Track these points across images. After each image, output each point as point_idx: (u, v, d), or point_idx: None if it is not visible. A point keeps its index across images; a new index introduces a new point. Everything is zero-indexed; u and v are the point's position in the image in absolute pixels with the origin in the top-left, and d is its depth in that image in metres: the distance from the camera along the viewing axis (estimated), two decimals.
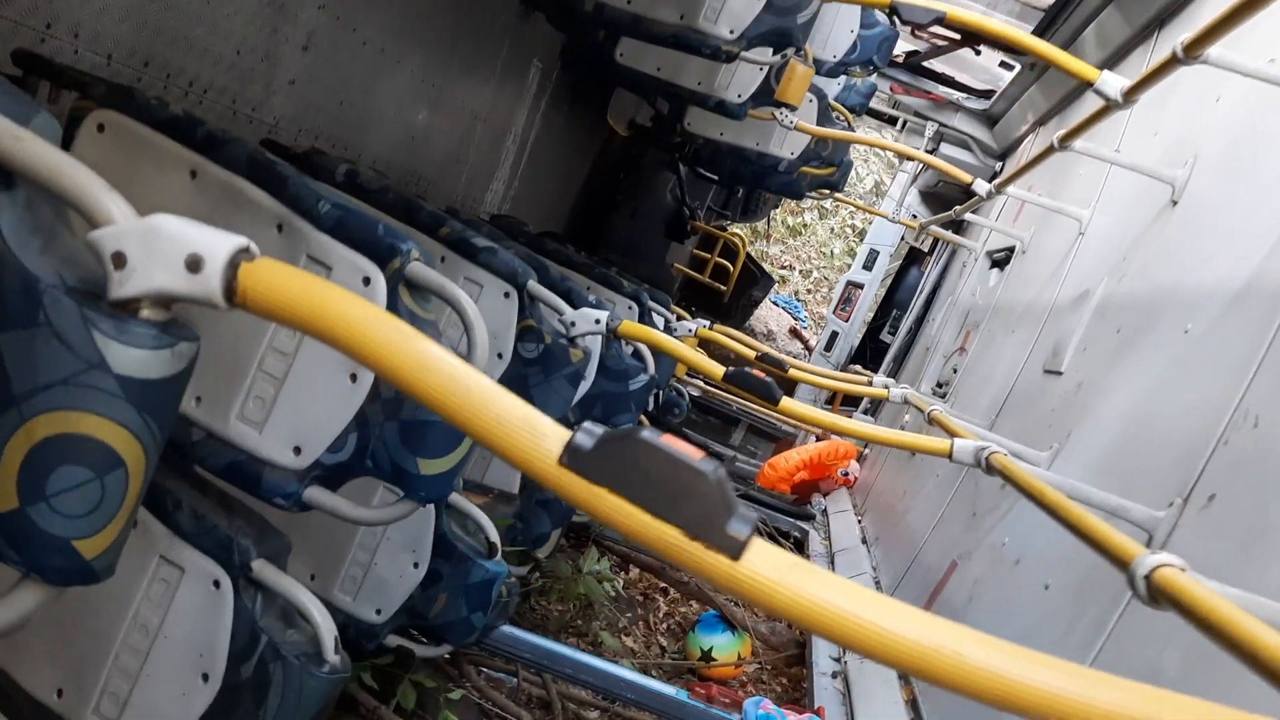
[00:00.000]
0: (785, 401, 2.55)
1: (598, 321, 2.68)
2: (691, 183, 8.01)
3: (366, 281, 1.71)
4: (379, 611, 2.69)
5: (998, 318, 5.35)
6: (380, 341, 0.82)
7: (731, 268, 8.40)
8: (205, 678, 1.78)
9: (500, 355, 2.64)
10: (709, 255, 8.48)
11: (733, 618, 4.91)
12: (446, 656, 3.36)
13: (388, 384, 1.72)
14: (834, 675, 3.79)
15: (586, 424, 0.80)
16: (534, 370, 2.64)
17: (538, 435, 0.80)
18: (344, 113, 3.97)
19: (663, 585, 5.77)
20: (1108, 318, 3.47)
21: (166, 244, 0.82)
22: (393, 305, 1.72)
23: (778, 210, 12.11)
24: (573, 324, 2.67)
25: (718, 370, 2.59)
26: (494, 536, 2.68)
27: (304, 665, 1.74)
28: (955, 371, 5.86)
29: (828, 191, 6.70)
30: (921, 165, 8.03)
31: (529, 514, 3.58)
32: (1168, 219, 3.29)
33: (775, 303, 11.83)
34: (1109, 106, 2.77)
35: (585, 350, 2.66)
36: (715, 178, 7.56)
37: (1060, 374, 3.69)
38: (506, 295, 2.63)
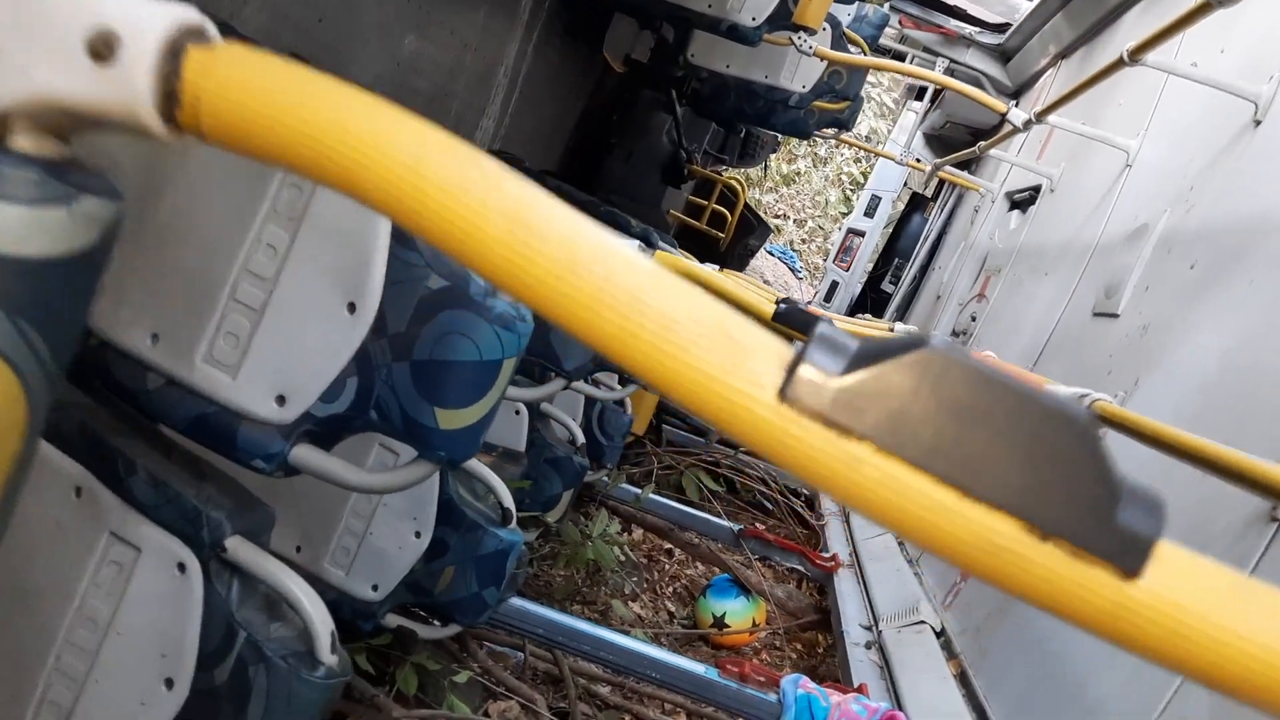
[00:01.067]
0: None
1: None
2: (688, 124, 7.60)
3: None
4: (376, 588, 2.34)
5: (1024, 261, 5.01)
6: (462, 198, 0.46)
7: (729, 215, 8.01)
8: (169, 683, 1.43)
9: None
10: (706, 201, 8.08)
11: (746, 581, 4.60)
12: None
13: (397, 315, 1.36)
14: (868, 646, 3.49)
15: (822, 327, 0.45)
16: None
17: (731, 344, 0.44)
18: (322, 31, 3.56)
19: (668, 546, 5.46)
20: (1175, 253, 3.14)
21: (53, 12, 0.45)
22: None
23: (775, 155, 11.70)
24: None
25: (768, 309, 2.24)
26: (508, 501, 2.33)
27: (293, 667, 1.39)
28: (974, 319, 5.54)
29: (835, 130, 6.32)
30: (929, 106, 7.66)
31: (537, 474, 3.23)
32: (1249, 141, 2.94)
33: (770, 252, 11.43)
34: (1208, 4, 2.41)
35: None
36: (714, 119, 7.16)
37: (1116, 316, 3.36)
38: None
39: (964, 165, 6.82)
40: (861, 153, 13.94)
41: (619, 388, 3.44)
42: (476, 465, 2.30)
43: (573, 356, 2.29)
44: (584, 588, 4.18)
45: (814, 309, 2.26)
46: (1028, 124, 4.18)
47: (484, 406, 1.35)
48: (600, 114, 7.14)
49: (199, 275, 1.42)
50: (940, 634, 3.38)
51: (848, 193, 13.37)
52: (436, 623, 2.45)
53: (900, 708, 2.82)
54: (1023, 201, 5.62)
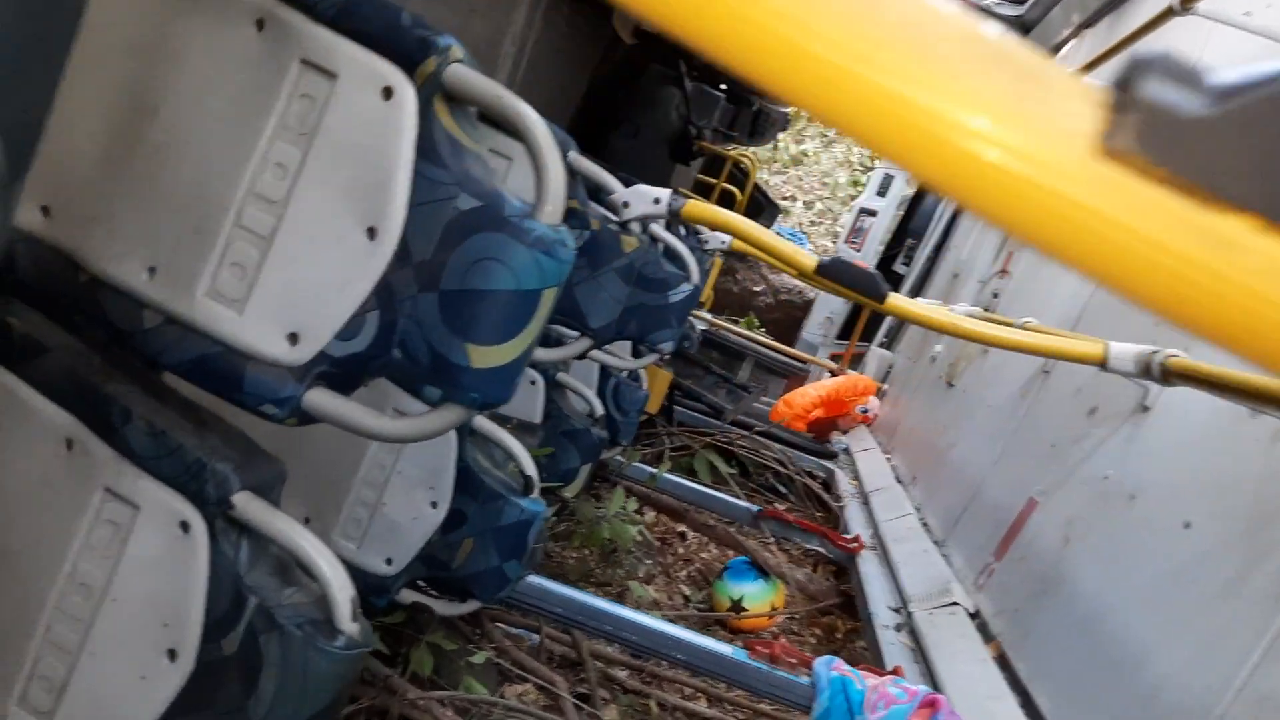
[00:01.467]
0: (893, 298, 2.06)
1: (657, 201, 2.17)
2: (697, 100, 7.43)
3: (388, 94, 1.19)
4: (390, 561, 2.20)
5: None
6: None
7: (739, 194, 7.85)
8: (172, 654, 1.29)
9: None
10: (715, 180, 7.92)
11: (765, 564, 4.46)
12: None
13: (422, 240, 1.21)
14: (897, 628, 3.35)
15: (1154, 53, 0.30)
16: (578, 264, 2.13)
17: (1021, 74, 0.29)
18: None
19: (680, 528, 5.32)
20: None
21: None
22: (427, 130, 1.20)
23: (784, 134, 11.52)
24: (625, 204, 2.15)
25: (809, 261, 2.09)
26: (530, 469, 2.19)
27: (309, 636, 1.25)
28: (996, 296, 5.40)
29: None
30: None
31: (554, 447, 3.09)
32: None
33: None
34: None
35: (641, 239, 2.15)
36: (724, 91, 6.99)
37: None
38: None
39: None
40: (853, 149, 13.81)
41: (631, 359, 3.30)
42: (496, 430, 2.16)
43: (599, 314, 2.14)
44: (598, 569, 4.04)
45: (860, 261, 2.11)
46: None
47: (521, 343, 1.20)
48: (608, 87, 6.97)
49: (199, 200, 1.27)
50: (974, 615, 3.24)
51: (857, 175, 13.18)
52: (452, 599, 2.31)
53: (938, 691, 2.68)
54: None
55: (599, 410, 3.08)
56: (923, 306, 2.12)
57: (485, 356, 1.19)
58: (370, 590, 2.20)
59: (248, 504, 1.27)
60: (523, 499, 2.18)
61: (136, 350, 1.31)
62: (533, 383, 3.03)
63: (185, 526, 1.28)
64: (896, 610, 3.50)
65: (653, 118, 7.29)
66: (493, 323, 1.18)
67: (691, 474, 5.37)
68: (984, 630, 3.12)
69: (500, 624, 3.29)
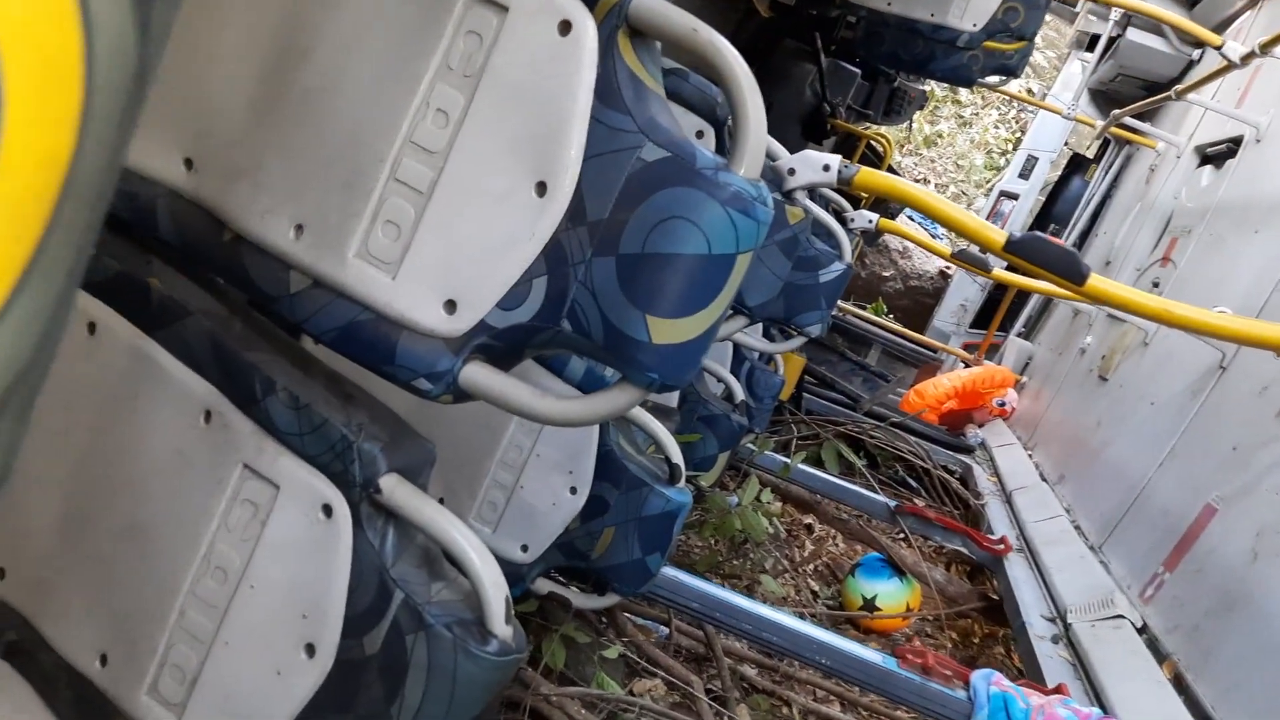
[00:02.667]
0: (1095, 280, 1.83)
1: (826, 168, 1.98)
2: (832, 76, 7.16)
3: (565, 28, 1.04)
4: (525, 548, 2.08)
5: (1224, 219, 4.47)
6: None
7: None
8: (310, 650, 1.18)
9: None
10: (850, 160, 7.63)
11: (902, 562, 4.23)
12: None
13: (599, 196, 1.06)
14: (1054, 640, 3.09)
15: None
16: None
17: None
18: None
19: (806, 521, 5.12)
20: None
21: None
22: (608, 69, 1.05)
23: (921, 112, 11.08)
24: (791, 171, 1.97)
25: (998, 238, 1.87)
26: (677, 456, 2.03)
27: (460, 639, 1.12)
28: (1156, 285, 5.02)
29: (1000, 79, 5.81)
30: (1100, 57, 7.02)
31: (690, 433, 2.94)
32: None
33: (910, 218, 10.82)
34: None
35: (806, 209, 1.96)
36: (862, 68, 6.71)
37: None
38: (700, 134, 1.95)
39: (1139, 119, 6.23)
40: (1007, 116, 13.15)
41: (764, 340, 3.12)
42: (640, 414, 2.01)
43: (758, 290, 1.97)
44: (726, 560, 3.88)
45: (1056, 239, 1.88)
46: (1247, 58, 3.66)
47: (710, 316, 1.04)
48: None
49: (352, 151, 1.15)
50: (1142, 630, 2.97)
51: (994, 158, 12.57)
52: (589, 591, 2.18)
53: (1108, 714, 2.44)
54: (1217, 155, 5.05)
55: (739, 395, 2.91)
56: (1128, 292, 1.87)
57: (668, 331, 1.03)
58: (505, 578, 2.08)
59: (395, 488, 1.15)
60: (668, 488, 2.03)
61: (281, 316, 1.20)
62: None
63: (328, 510, 1.16)
64: (1052, 620, 3.24)
65: (785, 93, 7.05)
66: (678, 292, 1.02)
67: (818, 464, 5.15)
68: (1154, 647, 2.85)
69: (629, 615, 3.16)
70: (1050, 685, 2.67)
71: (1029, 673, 2.99)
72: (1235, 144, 4.77)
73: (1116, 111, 5.91)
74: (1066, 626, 3.12)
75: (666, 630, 3.11)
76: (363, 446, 1.15)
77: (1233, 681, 2.47)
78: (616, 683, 2.59)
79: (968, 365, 7.37)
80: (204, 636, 1.21)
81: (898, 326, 8.08)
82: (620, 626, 2.63)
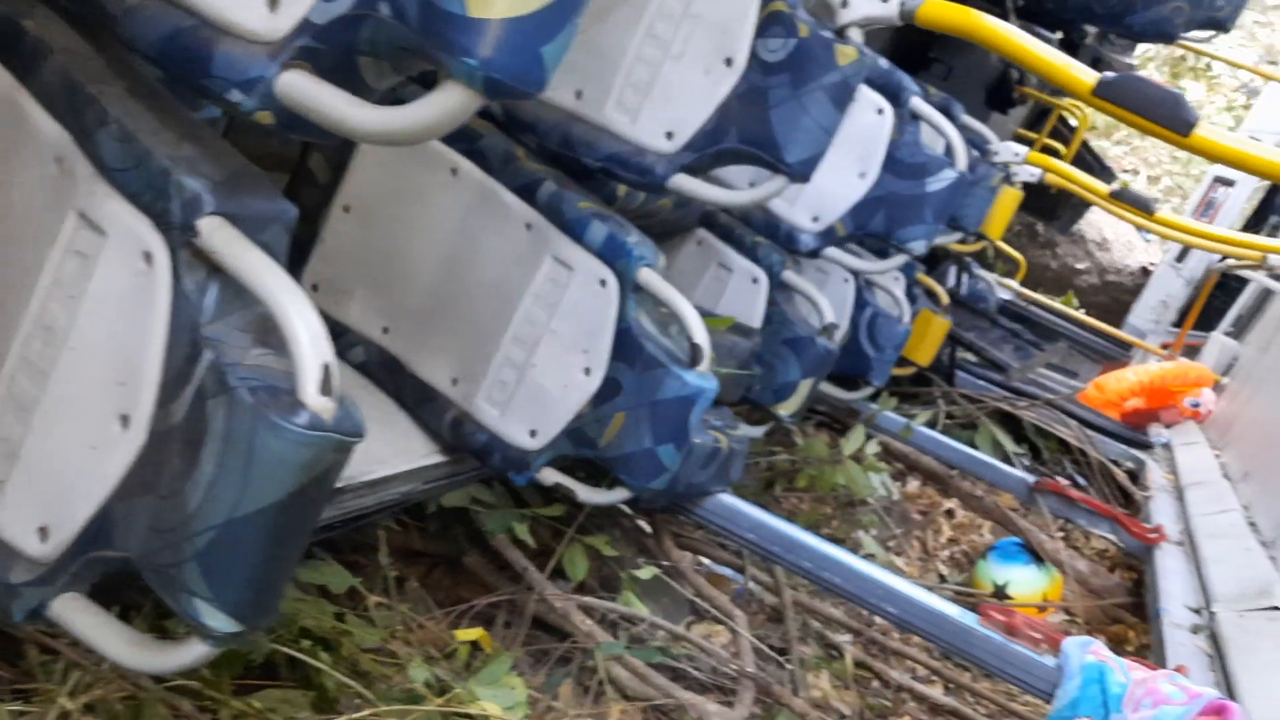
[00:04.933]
0: (1205, 130, 1.46)
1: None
2: None
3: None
4: (534, 433, 1.89)
5: None
6: None
7: (1064, 150, 6.91)
8: (124, 420, 1.02)
9: (729, 61, 1.72)
10: (1036, 135, 7.02)
11: (1040, 548, 3.77)
12: (642, 524, 2.53)
13: None
14: (1194, 630, 2.63)
15: None
16: (778, 80, 1.70)
17: None
18: None
19: (948, 505, 4.69)
20: None
21: None
22: None
23: None
24: (844, 3, 1.70)
25: (1088, 79, 1.53)
26: (700, 337, 1.79)
27: (261, 406, 0.93)
28: None
29: (1209, 34, 5.18)
30: None
31: (772, 356, 2.67)
32: None
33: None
34: None
35: (861, 50, 1.68)
36: (1051, 26, 6.14)
37: None
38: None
39: None
40: (1235, 104, 11.86)
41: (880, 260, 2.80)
42: (661, 285, 1.78)
43: (800, 144, 1.70)
44: (832, 521, 3.56)
45: (1159, 81, 1.52)
46: None
47: None
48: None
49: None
50: None
51: None
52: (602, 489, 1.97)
53: (1235, 701, 2.00)
54: None
55: (829, 317, 2.61)
56: (1249, 144, 1.49)
57: (487, 3, 0.81)
58: (510, 464, 1.90)
59: (216, 231, 0.98)
60: (687, 371, 1.79)
61: (123, 38, 1.05)
62: (754, 280, 2.62)
63: (148, 258, 1.00)
64: (1196, 611, 2.77)
65: (968, 59, 6.53)
66: None
67: (972, 448, 4.70)
68: None
69: (701, 556, 2.91)
70: (1175, 667, 2.25)
71: (1155, 659, 2.55)
72: None
73: None
74: (1211, 616, 2.65)
75: (743, 578, 2.84)
76: (183, 180, 0.98)
77: None
78: (659, 612, 2.36)
79: (1161, 361, 6.65)
80: (28, 405, 1.08)
81: (1086, 318, 7.39)
82: (666, 550, 2.39)
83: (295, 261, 2.10)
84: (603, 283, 1.79)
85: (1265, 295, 6.62)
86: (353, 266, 2.07)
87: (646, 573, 2.19)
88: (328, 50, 0.92)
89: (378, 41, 0.91)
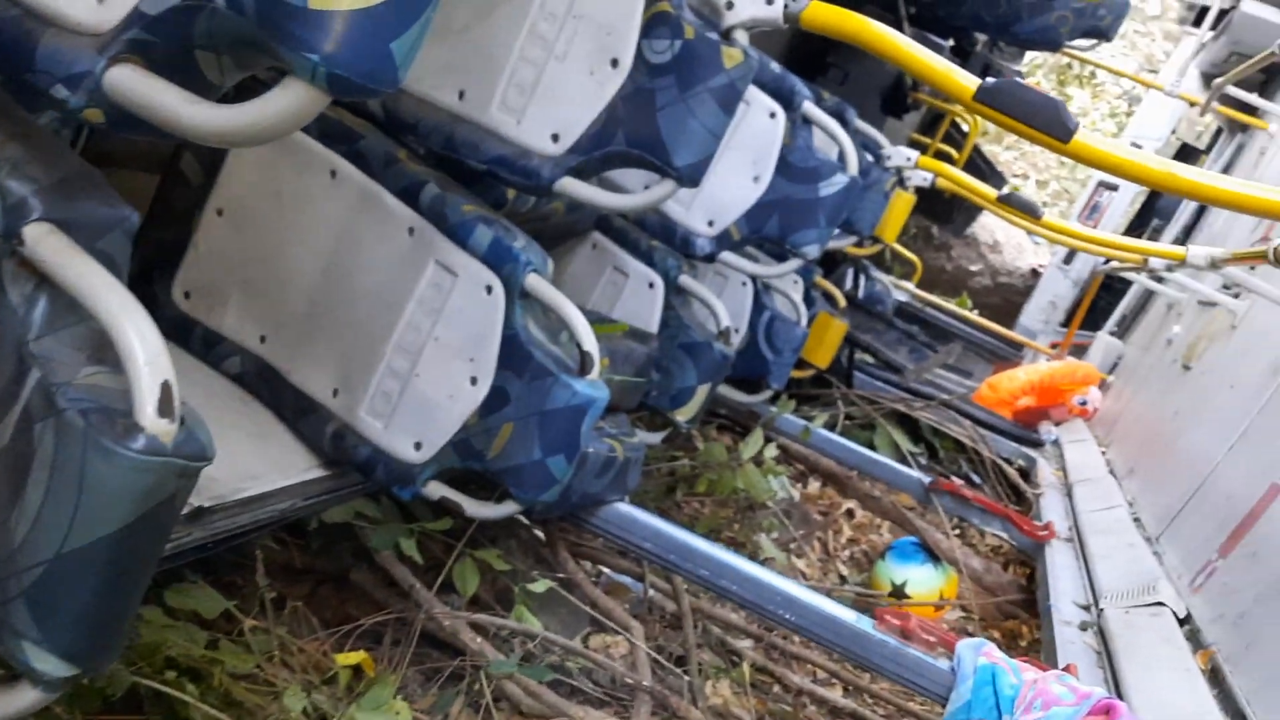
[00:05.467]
0: (1084, 137, 1.47)
1: (770, 1, 1.66)
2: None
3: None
4: (419, 445, 1.82)
5: None
6: None
7: (956, 155, 7.07)
8: None
9: (615, 62, 1.68)
10: (930, 140, 7.17)
11: (937, 547, 3.83)
12: (538, 534, 2.48)
13: None
14: (1083, 627, 2.69)
15: None
16: (664, 82, 1.66)
17: None
18: None
19: (848, 505, 4.73)
20: None
21: None
22: None
23: None
24: (729, 5, 1.67)
25: (968, 84, 1.54)
26: (589, 342, 1.74)
27: (94, 430, 0.86)
28: (1252, 269, 4.50)
29: (1092, 43, 5.35)
30: (1209, 33, 6.44)
31: (669, 361, 2.64)
32: None
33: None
34: None
35: (746, 52, 1.65)
36: (942, 34, 6.28)
37: None
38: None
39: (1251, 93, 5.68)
40: (1118, 111, 12.35)
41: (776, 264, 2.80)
42: (550, 292, 1.73)
43: (688, 148, 1.67)
44: (733, 525, 3.55)
45: (1038, 88, 1.54)
46: None
47: None
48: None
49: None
50: (1184, 621, 2.55)
51: None
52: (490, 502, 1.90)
53: (1120, 699, 2.04)
54: None
55: (725, 321, 2.60)
56: (1130, 152, 1.51)
57: None
58: (394, 478, 1.83)
59: (44, 240, 0.90)
60: (576, 380, 1.75)
61: None
62: (651, 285, 2.59)
63: None
64: (1085, 608, 2.83)
65: (864, 64, 6.62)
66: None
67: (870, 449, 4.76)
68: (1194, 639, 2.43)
69: (604, 568, 2.87)
70: (1064, 667, 2.29)
71: (1045, 658, 2.59)
72: None
73: (1218, 80, 5.36)
74: (1099, 613, 2.71)
75: (642, 585, 2.81)
76: (6, 184, 0.90)
77: (1274, 673, 2.06)
78: (571, 636, 2.31)
79: (1049, 360, 6.85)
80: None
81: (979, 319, 7.58)
82: (561, 562, 2.35)
83: (167, 268, 2.01)
84: (488, 289, 1.74)
85: (1147, 296, 6.87)
86: (228, 272, 1.97)
87: (540, 586, 2.13)
88: (161, 43, 0.85)
89: (216, 35, 0.84)
